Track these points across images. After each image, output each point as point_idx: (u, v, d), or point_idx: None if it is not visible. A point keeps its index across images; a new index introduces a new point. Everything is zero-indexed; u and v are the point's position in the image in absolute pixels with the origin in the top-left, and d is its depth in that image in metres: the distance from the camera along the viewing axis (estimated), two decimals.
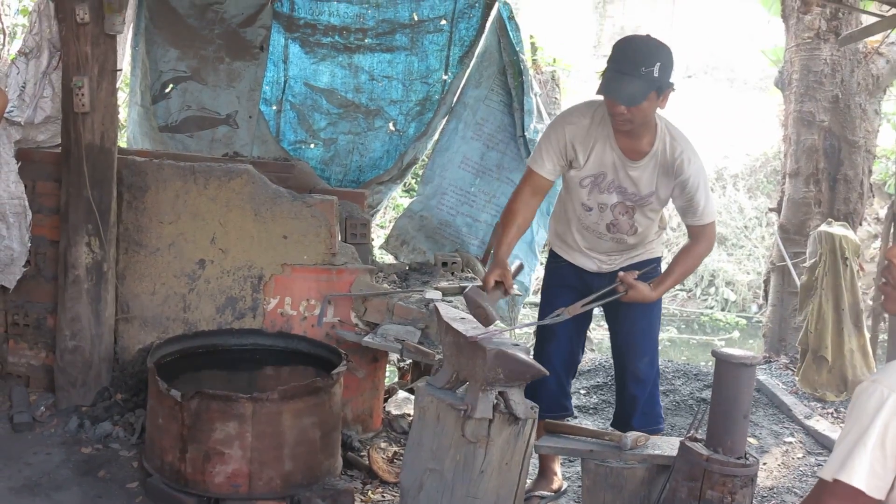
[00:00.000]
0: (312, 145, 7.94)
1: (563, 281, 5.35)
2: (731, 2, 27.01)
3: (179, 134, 7.62)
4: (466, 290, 4.51)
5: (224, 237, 5.76)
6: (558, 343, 5.34)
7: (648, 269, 4.99)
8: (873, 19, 7.73)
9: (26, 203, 5.56)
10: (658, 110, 4.74)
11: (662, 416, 5.36)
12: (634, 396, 5.23)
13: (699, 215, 4.86)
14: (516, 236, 5.02)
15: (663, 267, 5.19)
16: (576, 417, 6.90)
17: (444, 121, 7.78)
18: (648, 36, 4.75)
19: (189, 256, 5.77)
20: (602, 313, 5.51)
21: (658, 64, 4.55)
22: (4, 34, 11.25)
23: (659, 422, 5.28)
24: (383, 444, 5.86)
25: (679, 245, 16.30)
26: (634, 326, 5.23)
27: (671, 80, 4.67)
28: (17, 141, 5.59)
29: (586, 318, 5.33)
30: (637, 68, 4.56)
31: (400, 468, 4.98)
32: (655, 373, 5.28)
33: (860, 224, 9.77)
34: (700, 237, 4.95)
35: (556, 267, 5.39)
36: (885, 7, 7.81)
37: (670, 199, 4.97)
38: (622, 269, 5.06)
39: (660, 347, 5.36)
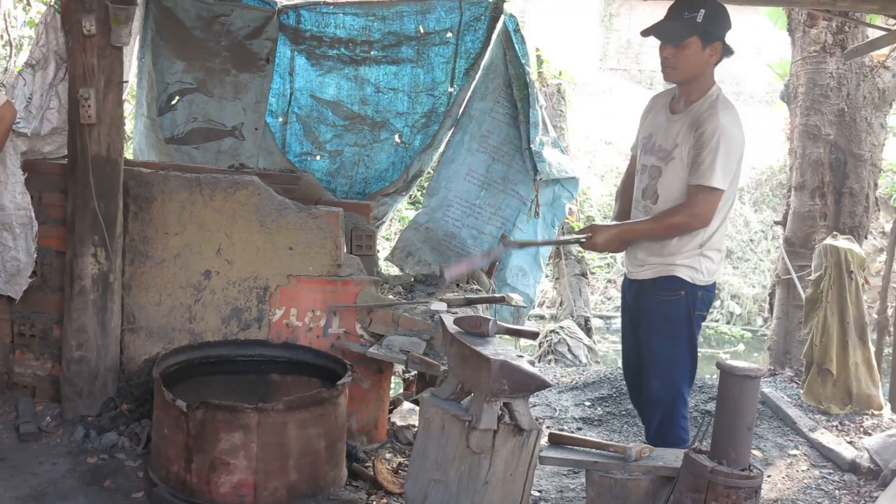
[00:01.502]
0: (318, 157, 7.94)
1: (625, 300, 5.48)
2: (737, 15, 26.99)
3: (185, 145, 7.64)
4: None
5: (230, 248, 5.77)
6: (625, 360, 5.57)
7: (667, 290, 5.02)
8: (879, 33, 7.74)
9: (32, 214, 5.58)
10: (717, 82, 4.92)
11: (686, 440, 5.08)
12: (649, 416, 5.19)
13: (697, 173, 4.78)
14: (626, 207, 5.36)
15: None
16: (580, 429, 6.91)
17: (449, 133, 7.78)
18: None
19: (195, 267, 5.78)
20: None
21: (702, 11, 4.78)
22: (11, 46, 11.29)
23: (668, 446, 5.00)
24: (388, 455, 5.86)
25: None
26: (648, 344, 5.15)
27: (724, 37, 4.83)
28: (23, 152, 5.61)
29: None
30: (680, 13, 4.83)
31: (405, 479, 4.98)
32: (673, 396, 5.08)
33: (865, 238, 9.77)
34: (689, 199, 4.85)
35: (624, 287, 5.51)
36: (892, 21, 7.82)
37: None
38: (641, 279, 5.13)
39: None
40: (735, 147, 4.79)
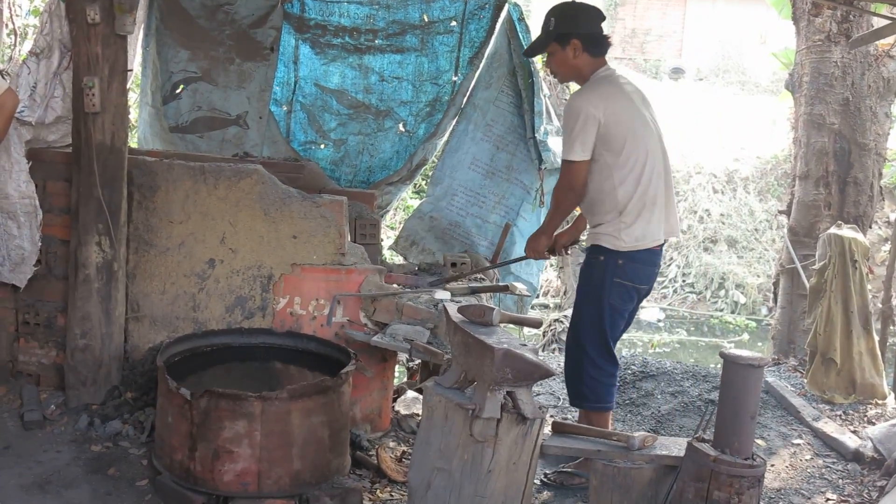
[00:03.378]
0: (322, 146, 7.96)
1: None
2: (743, 5, 27.00)
3: (190, 134, 7.65)
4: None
5: (234, 237, 5.77)
6: None
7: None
8: (884, 22, 7.72)
9: (37, 202, 5.58)
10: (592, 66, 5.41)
11: (586, 398, 5.52)
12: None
13: (562, 150, 5.31)
14: None
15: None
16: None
17: (453, 122, 7.80)
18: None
19: (199, 256, 5.79)
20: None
21: (552, 19, 5.40)
22: (16, 35, 11.30)
23: (574, 398, 5.62)
24: (392, 444, 5.87)
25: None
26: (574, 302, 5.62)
27: (579, 31, 5.32)
28: (27, 141, 5.61)
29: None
30: (543, 28, 5.47)
31: (408, 467, 4.99)
32: (579, 351, 5.49)
33: (870, 227, 9.75)
34: (559, 178, 5.44)
35: None
36: None
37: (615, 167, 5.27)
38: (585, 249, 5.54)
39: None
40: (583, 117, 5.18)
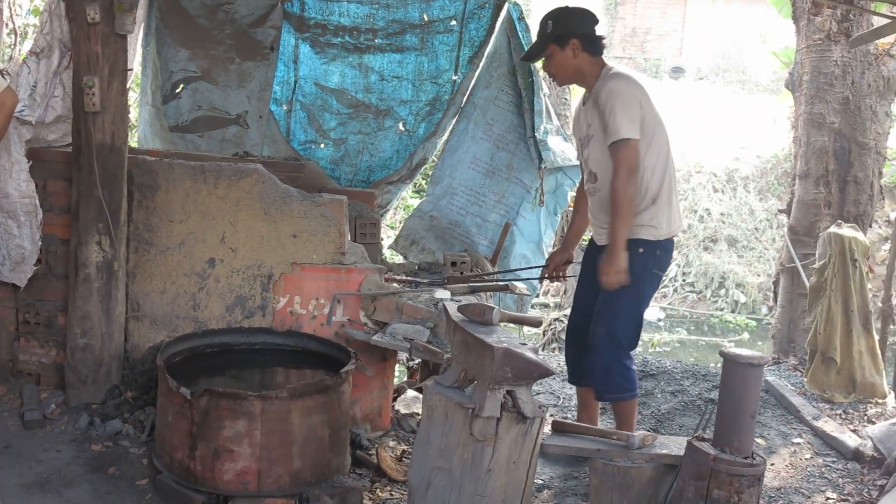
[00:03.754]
0: (322, 145, 7.96)
1: (588, 259, 5.75)
2: (743, 4, 26.99)
3: (190, 134, 7.65)
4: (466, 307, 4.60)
5: (234, 236, 5.77)
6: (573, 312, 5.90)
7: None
8: (884, 21, 7.72)
9: (37, 202, 5.58)
10: (593, 63, 5.45)
11: (628, 389, 5.49)
12: (592, 363, 5.53)
13: (608, 135, 5.19)
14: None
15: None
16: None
17: (453, 121, 7.80)
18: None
19: (199, 255, 5.79)
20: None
21: (549, 22, 5.48)
22: (16, 34, 11.30)
23: (610, 391, 5.52)
24: (392, 443, 5.87)
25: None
26: (601, 296, 5.49)
27: (577, 31, 5.40)
28: (27, 140, 5.61)
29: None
30: (540, 31, 5.56)
31: (408, 466, 4.99)
32: (612, 346, 5.42)
33: (870, 226, 9.75)
34: (614, 162, 5.20)
35: (589, 246, 5.82)
36: None
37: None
38: (607, 244, 5.41)
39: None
40: (628, 98, 5.20)
